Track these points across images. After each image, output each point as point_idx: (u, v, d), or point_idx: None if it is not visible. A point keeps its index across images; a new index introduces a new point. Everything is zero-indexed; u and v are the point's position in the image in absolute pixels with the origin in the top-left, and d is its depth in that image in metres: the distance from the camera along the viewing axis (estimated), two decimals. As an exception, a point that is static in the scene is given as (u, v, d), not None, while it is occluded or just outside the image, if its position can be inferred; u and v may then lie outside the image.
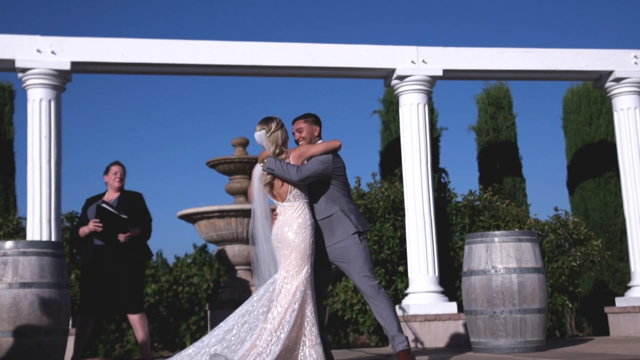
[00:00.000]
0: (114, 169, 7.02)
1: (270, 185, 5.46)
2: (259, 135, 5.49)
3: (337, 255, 5.60)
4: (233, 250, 9.44)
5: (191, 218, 9.57)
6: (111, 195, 6.99)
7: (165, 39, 9.03)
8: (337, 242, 5.57)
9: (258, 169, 5.54)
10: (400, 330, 5.60)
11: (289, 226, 5.35)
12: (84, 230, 6.79)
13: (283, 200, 5.43)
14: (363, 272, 5.55)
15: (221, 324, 5.31)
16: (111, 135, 26.82)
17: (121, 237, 6.69)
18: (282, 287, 5.27)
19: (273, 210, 5.55)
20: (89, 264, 6.79)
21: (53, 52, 8.66)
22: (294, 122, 5.81)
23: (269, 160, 5.42)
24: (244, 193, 9.73)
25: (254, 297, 5.33)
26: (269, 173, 5.43)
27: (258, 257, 5.53)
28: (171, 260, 16.69)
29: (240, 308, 5.32)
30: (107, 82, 31.52)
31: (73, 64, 8.74)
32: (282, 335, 5.12)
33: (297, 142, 5.77)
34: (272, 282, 5.33)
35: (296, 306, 5.21)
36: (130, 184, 25.37)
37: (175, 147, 26.99)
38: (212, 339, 5.23)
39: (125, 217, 6.69)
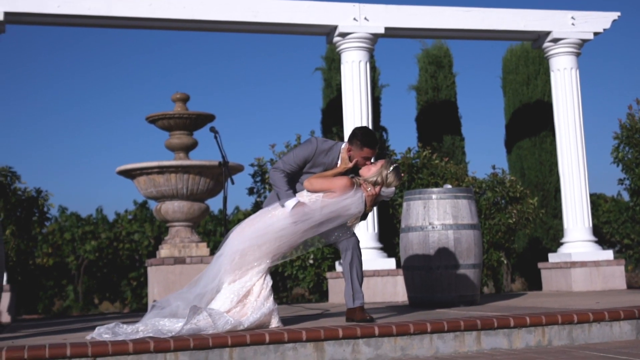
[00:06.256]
0: None
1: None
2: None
3: None
4: (173, 207, 9.36)
5: (130, 174, 9.44)
6: None
7: (103, -9, 8.83)
8: None
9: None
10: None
11: None
12: None
13: None
14: None
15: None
16: (46, 88, 26.23)
17: None
18: None
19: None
20: None
21: (-14, 2, 8.41)
22: (373, 148, 5.54)
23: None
24: (184, 149, 9.63)
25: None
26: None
27: None
28: (111, 217, 16.53)
29: None
30: (43, 33, 30.69)
31: (6, 14, 8.51)
32: None
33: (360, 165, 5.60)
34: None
35: None
36: (69, 137, 24.82)
37: (115, 102, 26.56)
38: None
39: None
